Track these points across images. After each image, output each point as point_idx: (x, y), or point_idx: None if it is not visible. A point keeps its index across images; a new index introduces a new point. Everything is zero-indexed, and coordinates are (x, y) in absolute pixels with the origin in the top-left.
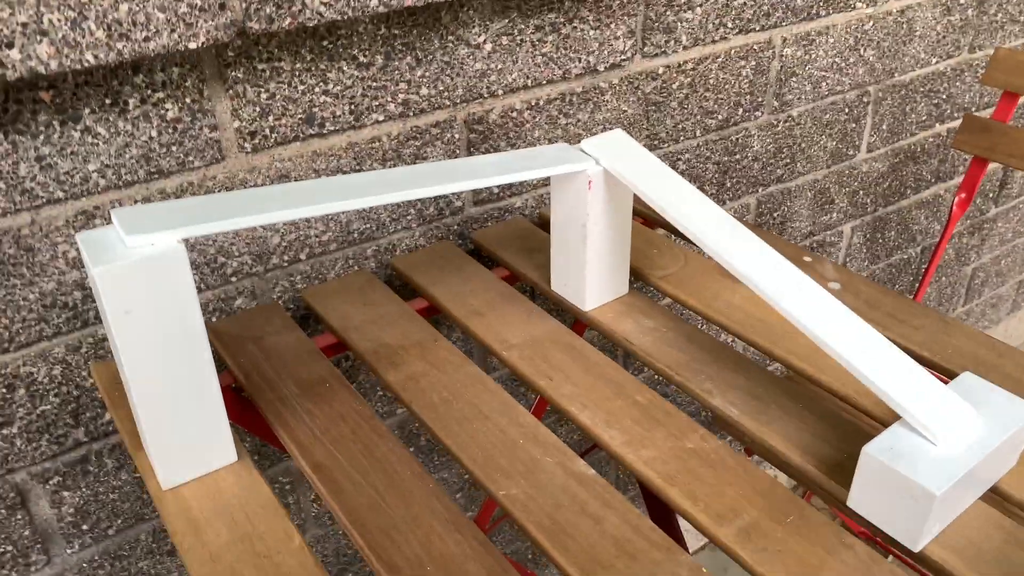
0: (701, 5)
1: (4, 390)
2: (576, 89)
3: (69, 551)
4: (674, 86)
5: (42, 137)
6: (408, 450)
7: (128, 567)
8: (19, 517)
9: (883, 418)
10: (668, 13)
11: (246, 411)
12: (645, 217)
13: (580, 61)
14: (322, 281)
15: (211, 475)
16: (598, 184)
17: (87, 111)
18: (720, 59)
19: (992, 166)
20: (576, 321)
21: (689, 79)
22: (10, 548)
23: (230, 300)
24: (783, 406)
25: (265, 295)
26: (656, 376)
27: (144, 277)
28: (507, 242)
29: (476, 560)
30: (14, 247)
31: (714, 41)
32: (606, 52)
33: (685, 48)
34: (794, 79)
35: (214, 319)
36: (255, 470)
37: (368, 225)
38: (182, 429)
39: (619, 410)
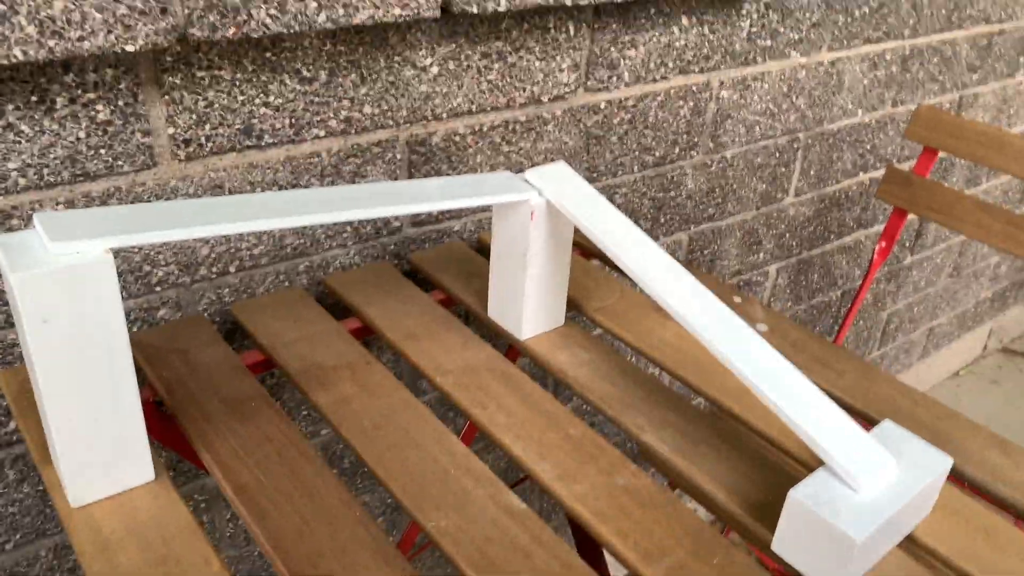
0: (644, 44)
1: None
2: (520, 118)
3: None
4: (615, 121)
5: None
6: (335, 475)
7: None
8: None
9: (806, 461)
10: (612, 49)
11: (167, 427)
12: (582, 248)
13: (525, 91)
14: (251, 295)
15: (126, 493)
16: (540, 215)
17: (11, 107)
18: (660, 98)
19: (910, 216)
20: (510, 348)
21: (630, 115)
22: None
23: (153, 310)
24: (711, 444)
25: (190, 307)
26: (588, 408)
27: (67, 286)
28: (445, 265)
29: None
30: None
31: (655, 80)
32: (551, 83)
33: (627, 85)
34: (729, 121)
35: (135, 329)
36: (173, 489)
37: (302, 240)
38: (97, 444)
39: (552, 443)
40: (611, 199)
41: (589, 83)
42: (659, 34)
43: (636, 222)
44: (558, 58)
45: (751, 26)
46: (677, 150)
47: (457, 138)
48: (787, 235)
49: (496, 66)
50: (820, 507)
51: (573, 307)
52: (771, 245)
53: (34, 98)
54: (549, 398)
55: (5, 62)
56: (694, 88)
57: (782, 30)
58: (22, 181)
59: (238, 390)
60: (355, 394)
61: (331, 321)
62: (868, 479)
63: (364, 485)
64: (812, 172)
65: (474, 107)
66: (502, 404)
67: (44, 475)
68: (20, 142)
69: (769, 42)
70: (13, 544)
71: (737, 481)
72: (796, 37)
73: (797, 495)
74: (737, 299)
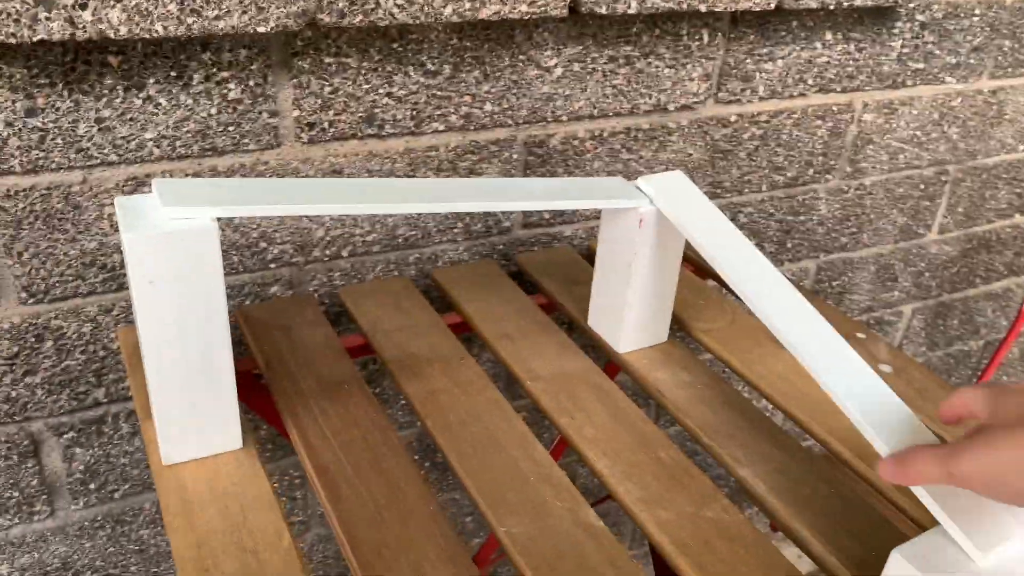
0: (783, 58)
1: (33, 340)
2: (643, 125)
3: (73, 507)
4: (745, 136)
5: (104, 100)
6: (416, 467)
7: (129, 533)
8: (30, 465)
9: (920, 520)
10: (748, 61)
11: (265, 399)
12: (697, 266)
13: (650, 98)
14: (360, 281)
15: (213, 458)
16: (649, 224)
17: (152, 80)
18: (796, 115)
19: None
20: (609, 362)
21: (761, 131)
22: (16, 495)
23: (266, 286)
24: (814, 487)
25: (302, 286)
26: (684, 433)
27: (172, 250)
28: (550, 270)
29: None
30: (63, 202)
31: (792, 96)
32: (678, 92)
33: (761, 99)
34: (871, 147)
35: (247, 303)
36: (258, 461)
37: (414, 232)
38: (190, 407)
39: (640, 463)
40: (734, 218)
41: (720, 94)
42: (800, 48)
43: (760, 245)
44: (689, 66)
45: (903, 46)
46: (811, 172)
47: (576, 142)
48: (927, 274)
49: (623, 70)
50: (928, 572)
51: (678, 325)
52: (908, 283)
53: (173, 73)
54: (642, 417)
55: (148, 36)
56: (834, 108)
57: (938, 52)
58: (156, 151)
59: (334, 371)
60: (445, 388)
61: (432, 314)
62: (988, 547)
63: (454, 482)
64: (960, 209)
65: (596, 111)
66: (591, 416)
67: (144, 431)
68: (157, 114)
69: (922, 64)
70: (121, 493)
71: (837, 531)
72: (953, 61)
73: (903, 555)
74: (860, 335)
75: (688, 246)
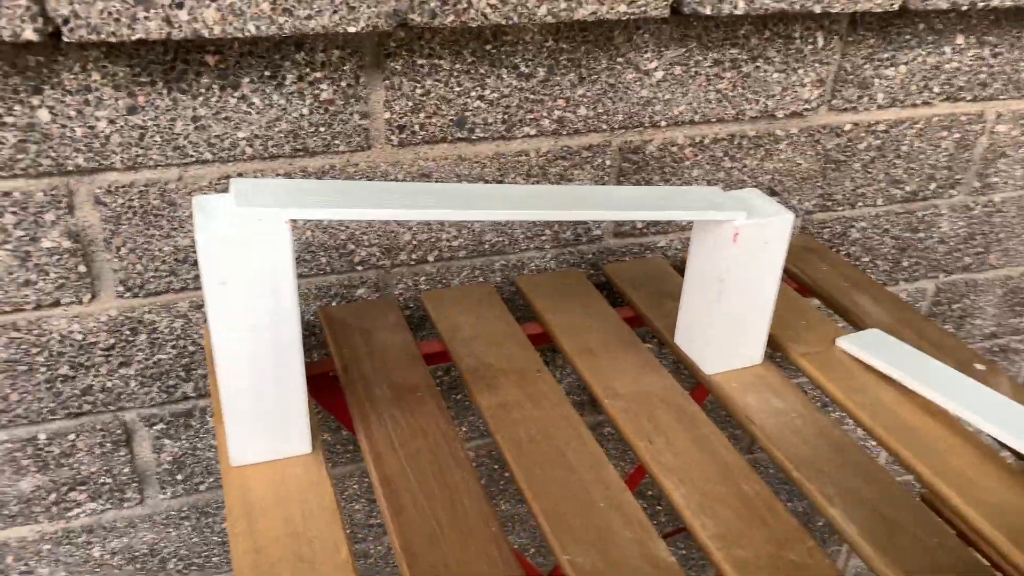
0: (907, 63)
1: (128, 332)
2: (748, 132)
3: (161, 496)
4: (860, 146)
5: (201, 99)
6: (479, 484)
7: (212, 525)
8: (122, 454)
9: None
10: (867, 67)
11: (340, 401)
12: (800, 283)
13: (757, 103)
14: (445, 286)
15: (281, 461)
16: (746, 238)
17: (246, 80)
18: (919, 125)
19: None
20: (697, 384)
21: (879, 141)
22: (109, 481)
23: (352, 288)
24: (913, 535)
25: (387, 290)
26: (771, 466)
27: (244, 251)
28: (640, 282)
29: None
30: (159, 199)
31: (915, 105)
32: (788, 98)
33: (880, 107)
34: (1003, 160)
35: (333, 303)
36: (325, 467)
37: (501, 239)
38: (259, 409)
39: (719, 496)
40: (846, 233)
41: (834, 101)
42: (926, 53)
43: (873, 261)
44: (800, 71)
45: None
46: (933, 186)
47: (675, 148)
48: None
49: (728, 75)
50: None
51: (775, 347)
52: None
53: (267, 73)
54: (726, 444)
55: (241, 35)
56: (963, 118)
57: None
58: (248, 150)
59: (408, 378)
60: (518, 401)
61: (512, 323)
62: None
63: None
64: None
65: (697, 117)
66: (671, 441)
67: (217, 430)
68: (251, 113)
69: None
70: (206, 486)
71: None
72: None
73: None
74: (979, 367)
75: (790, 260)
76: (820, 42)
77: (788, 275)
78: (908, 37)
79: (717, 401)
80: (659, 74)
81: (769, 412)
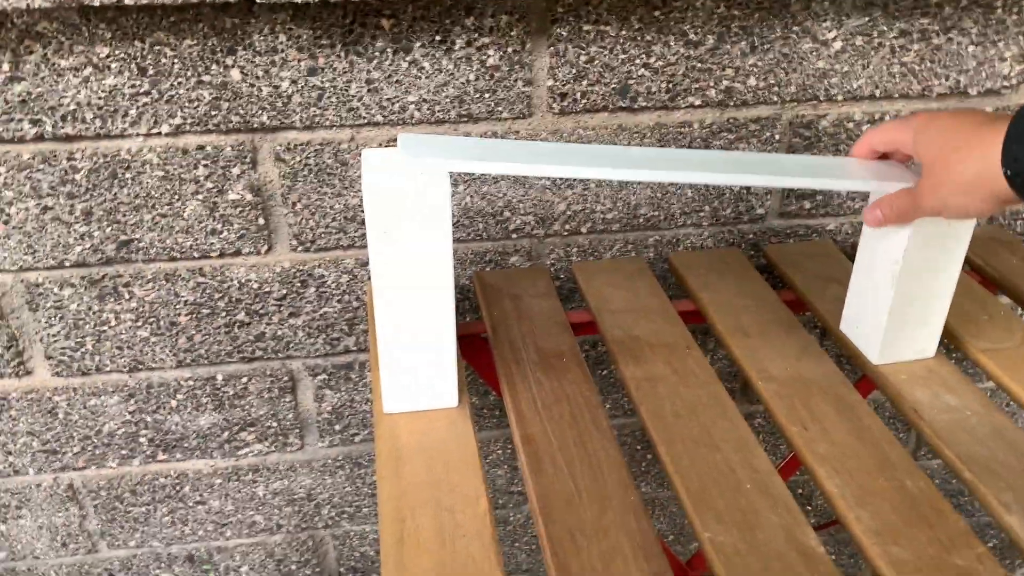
0: None
1: (299, 284)
2: (934, 109)
3: (320, 444)
4: None
5: (375, 62)
6: (620, 452)
7: (364, 476)
8: (287, 400)
9: None
10: None
11: (488, 362)
12: (985, 276)
13: (948, 79)
14: (596, 258)
15: (428, 412)
16: (927, 220)
17: (418, 44)
18: None
19: None
20: (862, 375)
21: None
22: (274, 425)
23: (507, 255)
24: None
25: (539, 259)
26: (938, 474)
27: (406, 199)
28: (803, 264)
29: None
30: (332, 158)
31: None
32: (984, 74)
33: None
34: None
35: (488, 269)
36: (470, 422)
37: (656, 213)
38: (412, 360)
39: (879, 490)
40: None
41: None
42: None
43: None
44: (1001, 44)
45: None
46: None
47: (851, 125)
48: None
49: (915, 47)
50: None
51: (951, 341)
52: None
53: (438, 38)
54: (890, 438)
55: None
56: None
57: None
58: (416, 114)
59: (554, 344)
60: (665, 376)
61: (663, 299)
62: None
63: None
64: None
65: (878, 92)
66: (828, 430)
67: (373, 378)
68: (421, 78)
69: None
70: (361, 438)
71: None
72: None
73: None
74: None
75: (975, 251)
76: None
77: (972, 267)
78: None
79: (883, 393)
80: (838, 44)
81: (940, 408)
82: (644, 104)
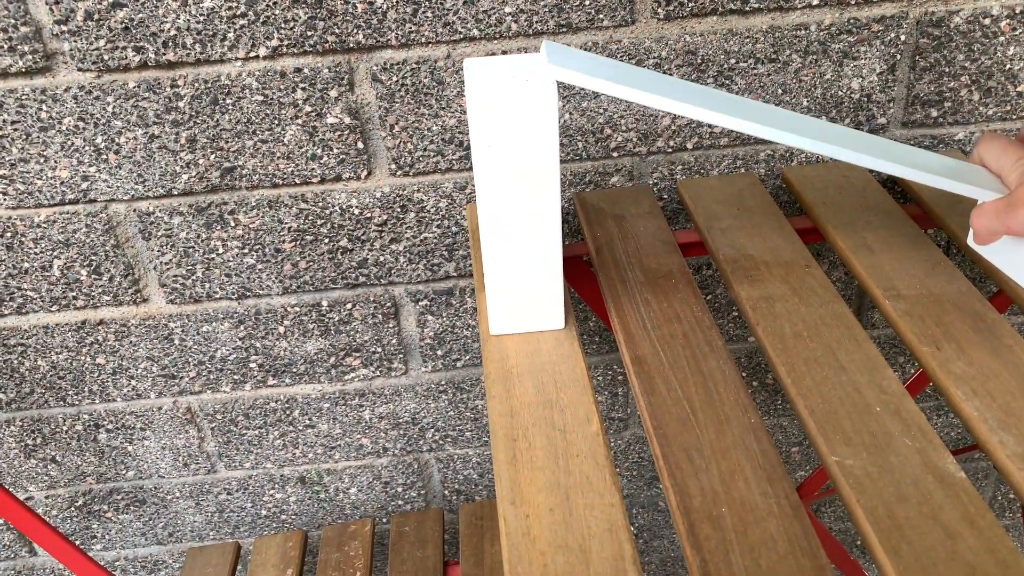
0: None
1: (399, 210)
2: None
3: (423, 369)
4: None
5: None
6: (738, 371)
7: (466, 400)
8: (391, 326)
9: None
10: None
11: (591, 285)
12: None
13: None
14: (703, 176)
15: (535, 334)
16: None
17: None
18: None
19: None
20: (998, 293)
21: None
22: (379, 350)
23: (607, 175)
24: None
25: (642, 178)
26: None
27: (510, 111)
28: None
29: (780, 522)
30: (429, 77)
31: None
32: None
33: None
34: None
35: (587, 190)
36: (578, 343)
37: None
38: (518, 281)
39: None
40: None
41: None
42: None
43: None
44: None
45: None
46: None
47: (987, 21)
48: None
49: None
50: None
51: None
52: None
53: None
54: None
55: None
56: None
57: None
58: (514, 26)
59: (662, 264)
60: (783, 295)
61: (777, 215)
62: None
63: (782, 407)
64: None
65: None
66: (964, 350)
67: (478, 301)
68: None
69: None
70: (463, 363)
71: None
72: None
73: None
74: None
75: None
76: None
77: None
78: None
79: (1022, 311)
80: None
81: None
82: (756, 5)
